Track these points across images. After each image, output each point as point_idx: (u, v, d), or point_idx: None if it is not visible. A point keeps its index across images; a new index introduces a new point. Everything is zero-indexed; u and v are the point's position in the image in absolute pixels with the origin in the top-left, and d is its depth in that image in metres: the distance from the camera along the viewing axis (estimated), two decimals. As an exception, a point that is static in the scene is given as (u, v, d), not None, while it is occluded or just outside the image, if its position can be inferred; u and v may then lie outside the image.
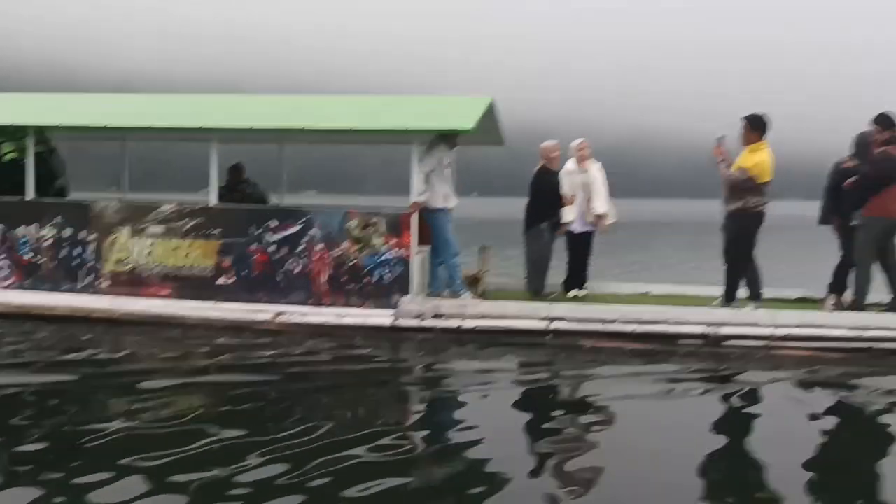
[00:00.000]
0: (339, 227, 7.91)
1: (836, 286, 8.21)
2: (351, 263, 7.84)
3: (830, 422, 5.23)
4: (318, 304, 7.83)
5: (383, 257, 7.79)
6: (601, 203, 8.73)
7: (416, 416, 5.36)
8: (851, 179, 7.73)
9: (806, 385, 6.11)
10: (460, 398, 5.70)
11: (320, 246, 7.90)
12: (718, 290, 8.15)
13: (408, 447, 4.48)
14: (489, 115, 8.48)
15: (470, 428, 4.90)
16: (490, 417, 5.16)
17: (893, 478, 4.21)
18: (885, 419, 5.28)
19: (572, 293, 8.72)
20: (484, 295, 8.57)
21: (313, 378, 6.05)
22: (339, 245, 7.87)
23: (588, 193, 8.70)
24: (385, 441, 4.48)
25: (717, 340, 6.99)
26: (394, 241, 7.79)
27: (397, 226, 7.82)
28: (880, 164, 7.55)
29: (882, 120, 7.70)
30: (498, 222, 38.81)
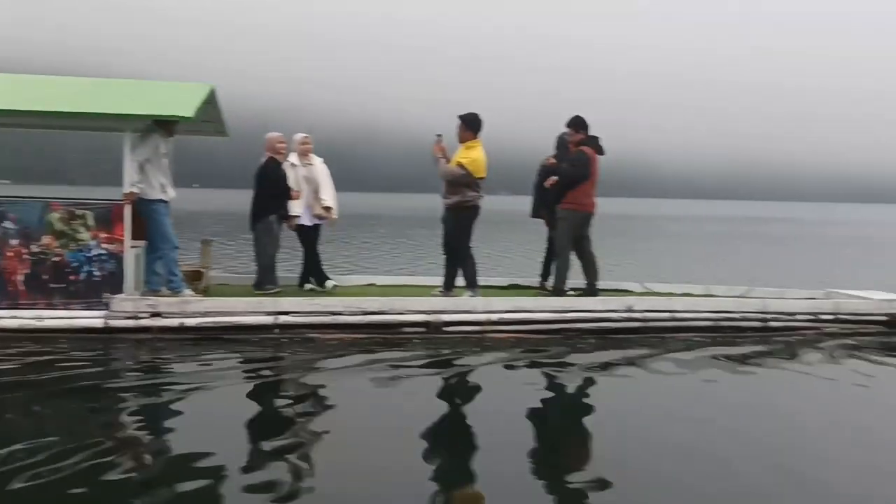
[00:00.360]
0: (38, 220, 7.14)
1: (545, 273, 9.12)
2: (54, 260, 7.12)
3: (538, 397, 5.70)
4: (15, 305, 7.02)
5: (92, 253, 7.17)
6: (329, 196, 8.79)
7: (132, 425, 4.97)
8: (551, 178, 8.55)
9: (517, 365, 6.62)
10: (182, 401, 5.39)
11: (15, 241, 7.08)
12: (438, 280, 8.58)
13: (120, 461, 4.13)
14: (211, 104, 8.14)
15: (192, 432, 4.66)
16: (215, 418, 4.96)
17: (588, 443, 4.72)
18: (583, 392, 5.90)
19: (329, 284, 8.73)
20: (206, 291, 8.24)
21: (8, 388, 5.40)
22: (38, 240, 7.11)
23: (313, 187, 8.71)
24: (94, 455, 4.12)
25: (437, 327, 7.34)
26: (104, 235, 7.20)
27: (108, 219, 7.23)
28: (576, 162, 8.41)
29: (575, 123, 8.60)
30: (222, 215, 37.51)
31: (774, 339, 7.72)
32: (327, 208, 8.78)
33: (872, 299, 8.41)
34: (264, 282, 8.38)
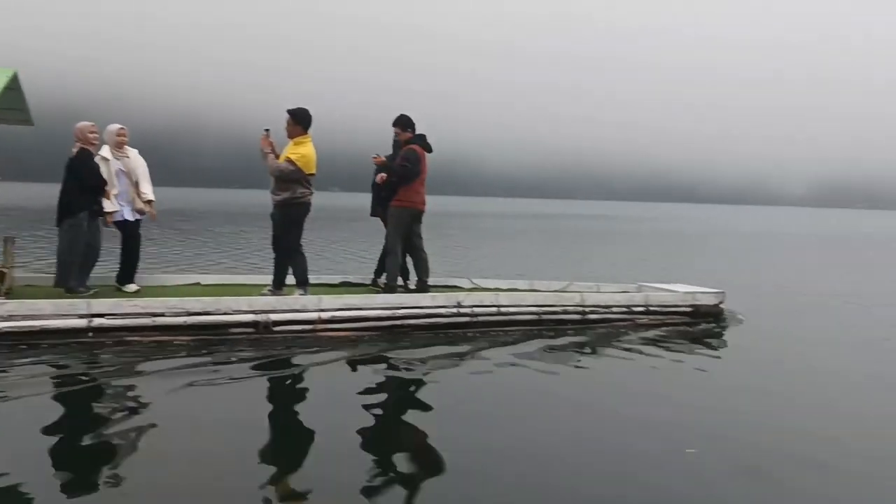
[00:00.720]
0: None
1: (380, 270, 9.14)
2: None
3: (370, 394, 5.70)
4: None
5: None
6: (149, 189, 8.34)
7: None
8: (381, 174, 8.60)
9: (349, 364, 6.59)
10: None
11: None
12: (268, 278, 8.38)
13: None
14: (13, 90, 7.50)
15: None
16: (18, 429, 4.56)
17: (418, 438, 4.77)
18: (414, 388, 5.96)
19: (130, 287, 8.22)
20: (9, 293, 7.57)
21: None
22: None
23: (131, 180, 8.24)
24: None
25: (267, 327, 7.16)
26: None
27: None
28: (407, 160, 8.50)
29: (401, 122, 8.70)
30: (28, 210, 34.68)
31: (593, 330, 8.18)
32: (149, 202, 8.33)
33: (678, 292, 9.10)
34: (70, 282, 7.78)
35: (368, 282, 9.44)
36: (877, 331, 9.30)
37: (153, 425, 4.73)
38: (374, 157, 8.72)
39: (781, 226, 55.62)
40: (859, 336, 8.94)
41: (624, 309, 8.60)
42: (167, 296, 7.56)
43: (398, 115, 8.74)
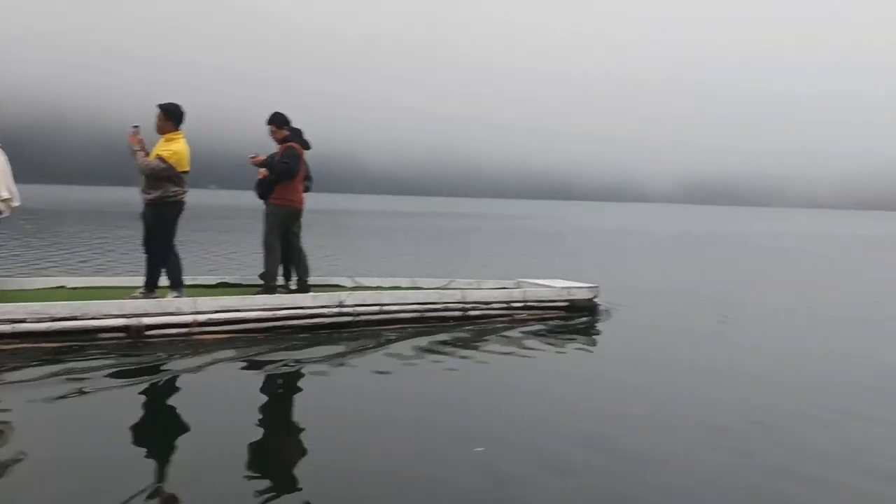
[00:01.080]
0: None
1: (286, 273, 8.93)
2: None
3: (248, 400, 5.58)
4: None
5: None
6: (5, 186, 7.84)
7: None
8: (263, 171, 8.43)
9: (226, 368, 6.40)
10: None
11: None
12: (139, 280, 8.05)
13: None
14: None
15: None
16: None
17: (300, 443, 4.72)
18: (295, 391, 5.88)
19: None
20: None
21: None
22: None
23: (-11, 177, 7.72)
24: None
25: (139, 332, 6.87)
26: None
27: None
28: (288, 158, 8.37)
29: (275, 120, 8.56)
30: None
31: (473, 326, 8.31)
32: (5, 200, 7.83)
33: (554, 287, 9.39)
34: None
35: (247, 282, 9.23)
36: (738, 325, 9.89)
37: (16, 437, 4.46)
38: (252, 157, 8.51)
39: (647, 223, 58.27)
40: (721, 330, 9.47)
41: (503, 305, 8.79)
42: (28, 300, 7.14)
43: (273, 112, 8.59)
